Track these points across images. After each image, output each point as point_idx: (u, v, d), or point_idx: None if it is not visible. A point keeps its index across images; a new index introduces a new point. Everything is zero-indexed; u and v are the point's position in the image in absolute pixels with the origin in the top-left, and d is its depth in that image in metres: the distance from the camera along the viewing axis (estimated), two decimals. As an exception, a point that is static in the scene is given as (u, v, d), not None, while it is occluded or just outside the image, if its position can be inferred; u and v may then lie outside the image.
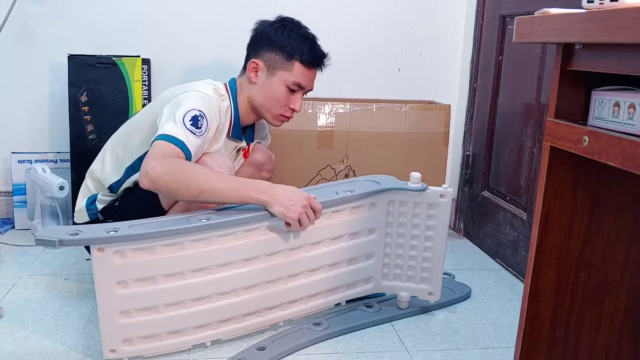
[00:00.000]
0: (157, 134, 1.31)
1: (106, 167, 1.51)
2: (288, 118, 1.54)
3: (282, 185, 1.34)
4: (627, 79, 0.81)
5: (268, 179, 1.73)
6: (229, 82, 1.54)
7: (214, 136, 1.45)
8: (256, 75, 1.50)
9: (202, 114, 1.35)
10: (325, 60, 1.53)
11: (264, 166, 1.71)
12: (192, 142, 1.31)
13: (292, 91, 1.50)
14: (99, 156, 1.56)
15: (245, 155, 1.64)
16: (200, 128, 1.33)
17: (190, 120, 1.32)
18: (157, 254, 1.22)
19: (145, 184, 1.25)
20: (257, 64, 1.49)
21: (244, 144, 1.59)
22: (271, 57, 1.48)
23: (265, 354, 1.31)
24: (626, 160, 0.73)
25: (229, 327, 1.36)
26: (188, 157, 1.30)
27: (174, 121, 1.31)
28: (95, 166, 1.55)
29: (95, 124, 1.97)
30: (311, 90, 1.57)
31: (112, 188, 1.49)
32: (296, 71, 1.48)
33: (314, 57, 1.50)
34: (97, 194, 1.51)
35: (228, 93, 1.51)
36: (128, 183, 1.47)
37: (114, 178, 1.49)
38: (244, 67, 1.55)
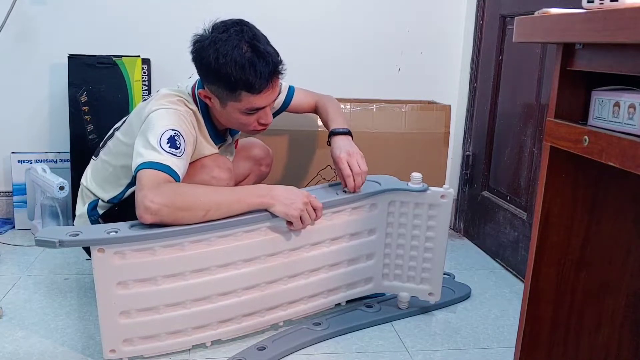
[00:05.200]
0: (139, 163, 1.25)
1: (102, 185, 1.49)
2: (263, 129, 1.45)
3: (281, 186, 1.35)
4: (627, 79, 0.81)
5: (267, 173, 1.74)
6: (197, 87, 1.42)
7: (203, 145, 1.42)
8: (211, 102, 1.39)
9: (177, 132, 1.30)
10: (278, 71, 1.35)
11: (262, 160, 1.71)
12: (176, 164, 1.26)
13: (253, 113, 1.38)
14: (92, 171, 1.54)
15: (236, 146, 1.64)
16: (179, 148, 1.28)
17: (167, 143, 1.27)
18: (157, 255, 1.22)
19: (148, 219, 1.19)
20: (206, 94, 1.38)
21: (230, 141, 1.57)
22: (216, 89, 1.35)
23: (265, 354, 1.31)
24: (626, 160, 0.73)
25: (229, 328, 1.36)
26: (177, 180, 1.26)
27: (152, 147, 1.26)
28: (90, 184, 1.52)
29: (95, 124, 1.98)
30: (276, 99, 1.41)
31: (111, 200, 1.48)
32: (245, 100, 1.34)
33: (260, 82, 1.31)
34: (97, 200, 1.51)
35: (197, 103, 1.42)
36: (128, 194, 1.46)
37: (112, 194, 1.48)
38: None
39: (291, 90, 1.67)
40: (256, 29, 1.36)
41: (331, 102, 1.68)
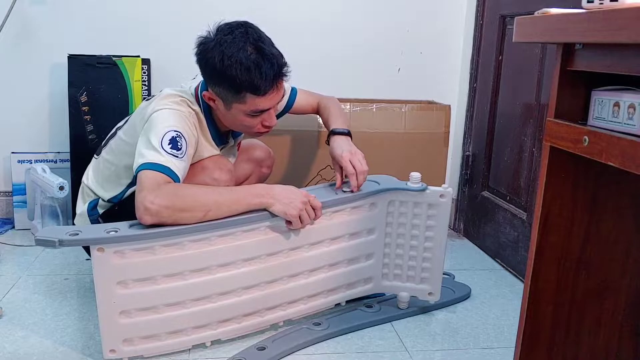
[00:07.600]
0: (140, 163, 1.25)
1: (103, 184, 1.49)
2: (267, 131, 1.45)
3: (280, 185, 1.35)
4: (627, 79, 0.81)
5: (268, 175, 1.74)
6: (200, 88, 1.41)
7: (204, 146, 1.42)
8: (215, 103, 1.38)
9: (179, 133, 1.30)
10: (283, 73, 1.35)
11: (263, 162, 1.71)
12: (177, 165, 1.26)
13: (257, 115, 1.38)
14: (93, 169, 1.54)
15: (238, 148, 1.64)
16: (180, 149, 1.28)
17: (169, 144, 1.27)
18: (157, 254, 1.22)
19: (147, 220, 1.20)
20: (210, 96, 1.37)
21: (232, 143, 1.57)
22: (220, 91, 1.34)
23: (265, 354, 1.31)
24: (626, 160, 0.73)
25: (229, 327, 1.36)
26: (177, 182, 1.26)
27: (154, 147, 1.26)
28: (91, 183, 1.52)
29: (95, 124, 1.98)
30: (280, 101, 1.42)
31: (112, 200, 1.48)
32: (250, 102, 1.34)
33: (265, 85, 1.31)
34: (98, 199, 1.51)
35: (199, 104, 1.41)
36: (128, 193, 1.46)
37: (113, 193, 1.47)
38: None
39: (294, 91, 1.66)
40: (261, 30, 1.36)
41: (333, 102, 1.68)
